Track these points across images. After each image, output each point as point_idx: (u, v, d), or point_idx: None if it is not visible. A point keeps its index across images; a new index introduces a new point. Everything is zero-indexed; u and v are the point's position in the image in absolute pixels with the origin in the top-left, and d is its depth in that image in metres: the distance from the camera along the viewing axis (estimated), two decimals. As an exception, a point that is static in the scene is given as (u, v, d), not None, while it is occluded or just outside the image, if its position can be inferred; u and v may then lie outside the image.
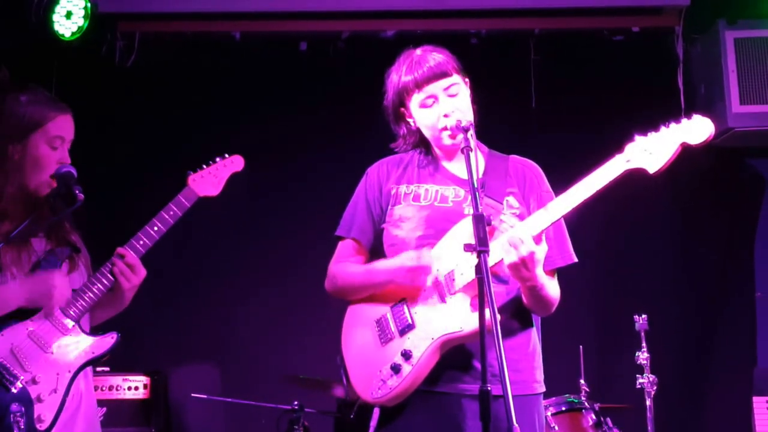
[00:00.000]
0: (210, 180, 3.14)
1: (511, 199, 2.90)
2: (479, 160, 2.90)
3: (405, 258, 2.80)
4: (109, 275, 2.92)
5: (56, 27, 5.11)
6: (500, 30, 5.66)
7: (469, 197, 2.87)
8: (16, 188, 2.89)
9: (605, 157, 2.73)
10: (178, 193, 3.07)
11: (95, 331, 2.97)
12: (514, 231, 2.65)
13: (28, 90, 2.98)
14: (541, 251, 2.63)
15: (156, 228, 2.98)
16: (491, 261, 2.67)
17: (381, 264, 2.89)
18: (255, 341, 5.51)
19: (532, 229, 2.65)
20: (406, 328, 2.80)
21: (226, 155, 3.22)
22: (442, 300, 2.77)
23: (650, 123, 2.80)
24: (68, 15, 5.11)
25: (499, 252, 2.65)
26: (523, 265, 2.61)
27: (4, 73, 4.74)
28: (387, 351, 2.82)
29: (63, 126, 2.93)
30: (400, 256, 2.82)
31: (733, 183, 5.70)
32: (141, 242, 2.97)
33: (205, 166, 3.17)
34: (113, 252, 3.01)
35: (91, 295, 2.89)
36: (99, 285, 2.91)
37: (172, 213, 3.02)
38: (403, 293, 2.85)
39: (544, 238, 2.68)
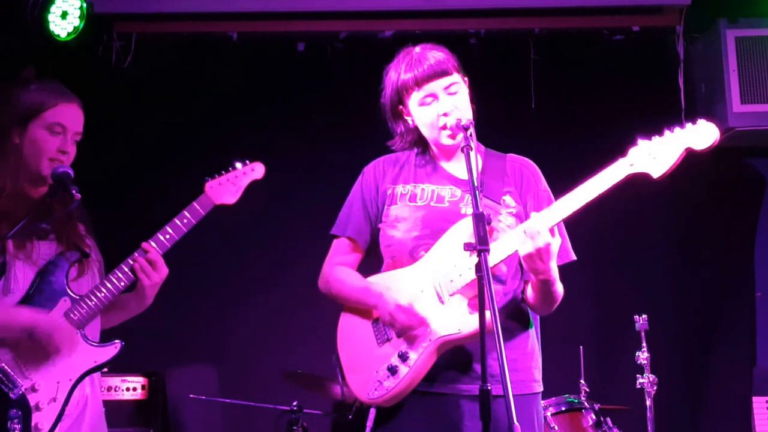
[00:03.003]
0: (228, 187, 3.08)
1: (508, 199, 2.89)
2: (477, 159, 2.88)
3: (392, 300, 2.76)
4: (129, 272, 2.89)
5: (51, 27, 5.05)
6: (499, 30, 5.63)
7: (466, 197, 2.87)
8: (16, 170, 2.88)
9: (605, 158, 2.72)
10: (193, 200, 3.02)
11: (108, 335, 2.94)
12: (531, 222, 2.63)
13: (41, 80, 2.98)
14: (556, 243, 2.62)
15: (168, 236, 2.94)
16: (503, 253, 2.69)
17: (375, 289, 2.86)
18: (253, 342, 5.49)
19: (548, 221, 2.63)
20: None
21: (247, 162, 3.15)
22: (441, 301, 2.76)
23: (651, 122, 2.79)
24: (64, 15, 5.06)
25: (515, 243, 2.64)
26: (539, 256, 2.60)
27: (31, 71, 4.73)
28: (384, 352, 2.81)
29: (64, 113, 2.90)
30: (396, 297, 2.77)
31: (733, 182, 5.69)
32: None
33: (223, 173, 3.10)
34: (108, 254, 3.00)
35: (97, 302, 2.86)
36: (110, 287, 2.87)
37: (185, 221, 2.97)
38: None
39: (557, 231, 2.67)
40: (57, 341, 2.77)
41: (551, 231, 2.62)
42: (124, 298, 2.99)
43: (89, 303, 2.85)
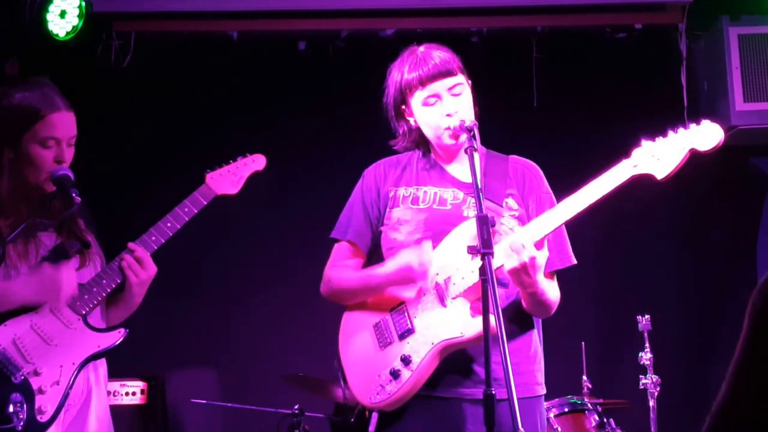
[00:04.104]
0: (229, 178, 3.11)
1: (510, 201, 2.88)
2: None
3: (403, 257, 2.75)
4: (117, 270, 2.88)
5: (50, 26, 5.01)
6: (501, 28, 5.61)
7: (468, 199, 2.86)
8: (12, 186, 2.85)
9: (608, 157, 2.71)
10: (194, 191, 3.03)
11: (106, 329, 2.93)
12: (516, 236, 2.62)
13: (26, 85, 2.90)
14: (542, 257, 2.61)
15: (169, 224, 2.94)
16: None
17: (378, 268, 2.85)
18: (253, 345, 5.46)
19: (534, 235, 2.62)
20: (405, 333, 2.78)
21: (248, 154, 3.18)
22: (443, 304, 2.74)
23: (653, 120, 2.77)
24: (62, 14, 5.03)
25: (501, 257, 2.62)
26: (524, 270, 2.59)
27: (14, 66, 4.68)
28: (386, 355, 2.79)
29: (55, 125, 2.84)
30: (397, 257, 2.78)
31: (736, 181, 5.65)
32: (153, 238, 2.94)
33: (224, 164, 3.13)
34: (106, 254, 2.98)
35: (99, 290, 2.86)
36: (107, 280, 2.87)
37: (186, 210, 2.98)
38: (402, 298, 2.81)
39: (545, 243, 2.65)
40: (63, 288, 2.76)
41: (540, 243, 2.61)
42: (113, 298, 2.98)
43: (92, 291, 2.85)
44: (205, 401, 4.97)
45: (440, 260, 2.77)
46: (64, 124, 2.87)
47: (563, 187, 2.79)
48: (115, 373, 4.73)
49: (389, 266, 2.80)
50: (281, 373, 4.79)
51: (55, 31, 5.03)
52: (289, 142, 5.54)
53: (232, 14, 5.47)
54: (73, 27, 5.02)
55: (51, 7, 5.03)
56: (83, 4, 5.03)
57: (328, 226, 3.08)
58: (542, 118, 5.58)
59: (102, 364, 2.96)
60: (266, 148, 5.36)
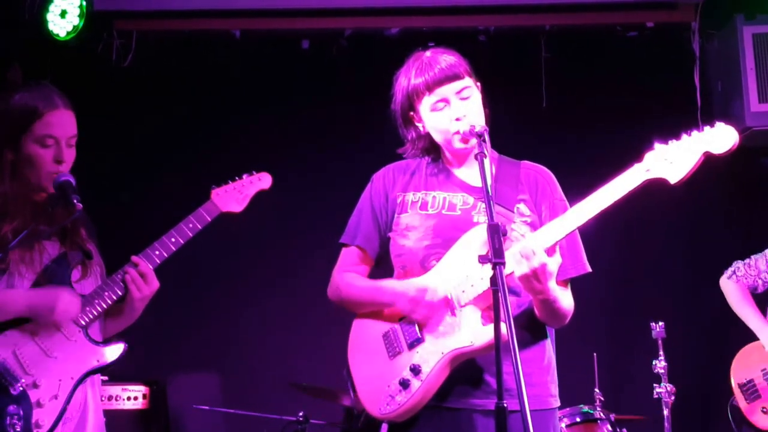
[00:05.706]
0: (234, 195, 3.13)
1: (522, 207, 2.82)
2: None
3: (411, 286, 2.72)
4: (120, 283, 2.87)
5: (51, 26, 5.02)
6: (509, 27, 5.61)
7: (479, 205, 2.81)
8: (13, 188, 2.85)
9: (619, 158, 2.66)
10: (199, 206, 3.04)
11: (105, 342, 2.92)
12: (526, 242, 2.58)
13: (26, 87, 2.91)
14: (553, 263, 2.55)
15: (174, 239, 2.95)
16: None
17: (387, 285, 2.80)
18: (258, 350, 5.46)
19: (545, 241, 2.57)
20: (414, 342, 2.73)
21: (254, 172, 3.20)
22: (452, 313, 2.69)
23: (665, 121, 2.73)
24: (63, 14, 5.03)
25: (511, 263, 2.56)
26: (535, 277, 2.53)
27: (16, 72, 4.68)
28: (395, 365, 2.74)
29: (52, 123, 2.83)
30: (408, 283, 2.73)
31: (750, 183, 5.63)
32: (156, 252, 2.93)
33: (230, 182, 3.15)
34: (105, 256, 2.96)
35: (101, 302, 2.85)
36: (109, 292, 2.86)
37: (191, 226, 2.99)
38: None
39: (557, 249, 2.60)
40: (61, 307, 2.74)
41: (552, 249, 2.56)
42: (112, 310, 2.96)
43: (94, 303, 2.84)
44: (208, 407, 4.96)
45: (449, 267, 2.71)
46: (62, 122, 2.86)
47: (573, 189, 2.75)
48: (116, 378, 4.75)
49: (398, 287, 2.75)
50: (286, 380, 4.78)
51: (55, 32, 5.05)
52: (291, 143, 5.53)
53: (234, 13, 5.47)
54: (74, 27, 5.04)
55: (51, 7, 5.04)
56: (84, 3, 5.04)
57: (333, 230, 3.04)
58: (551, 118, 5.56)
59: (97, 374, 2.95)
60: (268, 148, 5.37)
